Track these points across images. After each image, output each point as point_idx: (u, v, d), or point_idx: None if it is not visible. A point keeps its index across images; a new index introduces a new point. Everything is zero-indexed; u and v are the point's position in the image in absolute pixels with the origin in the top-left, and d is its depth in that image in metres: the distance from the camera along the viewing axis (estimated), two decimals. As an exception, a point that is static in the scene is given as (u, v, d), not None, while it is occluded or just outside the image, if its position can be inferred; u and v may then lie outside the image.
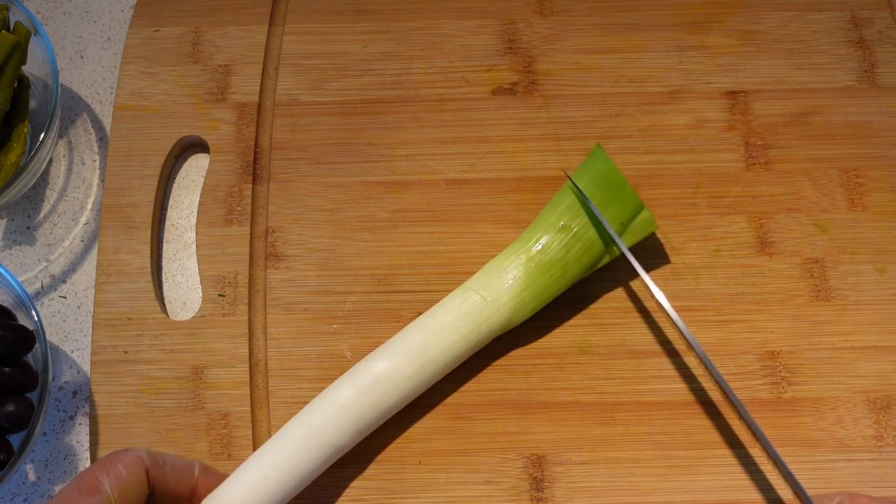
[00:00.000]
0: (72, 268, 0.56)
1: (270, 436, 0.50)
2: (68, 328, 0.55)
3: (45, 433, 0.53)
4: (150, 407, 0.50)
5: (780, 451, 0.48)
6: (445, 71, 0.57)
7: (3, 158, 0.54)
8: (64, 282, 0.56)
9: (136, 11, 0.59)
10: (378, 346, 0.49)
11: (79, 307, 0.55)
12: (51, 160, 0.59)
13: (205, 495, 0.44)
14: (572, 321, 0.51)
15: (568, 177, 0.51)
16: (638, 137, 0.55)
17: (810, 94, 0.56)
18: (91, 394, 0.51)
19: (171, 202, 0.57)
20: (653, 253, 0.53)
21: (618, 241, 0.49)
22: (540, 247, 0.49)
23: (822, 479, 0.48)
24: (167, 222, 0.56)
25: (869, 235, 0.53)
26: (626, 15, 0.58)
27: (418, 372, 0.47)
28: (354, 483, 0.48)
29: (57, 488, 0.51)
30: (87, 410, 0.53)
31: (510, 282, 0.49)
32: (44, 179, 0.58)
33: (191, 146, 0.57)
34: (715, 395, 0.50)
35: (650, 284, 0.48)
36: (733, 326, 0.51)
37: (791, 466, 0.48)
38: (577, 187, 0.49)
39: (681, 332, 0.47)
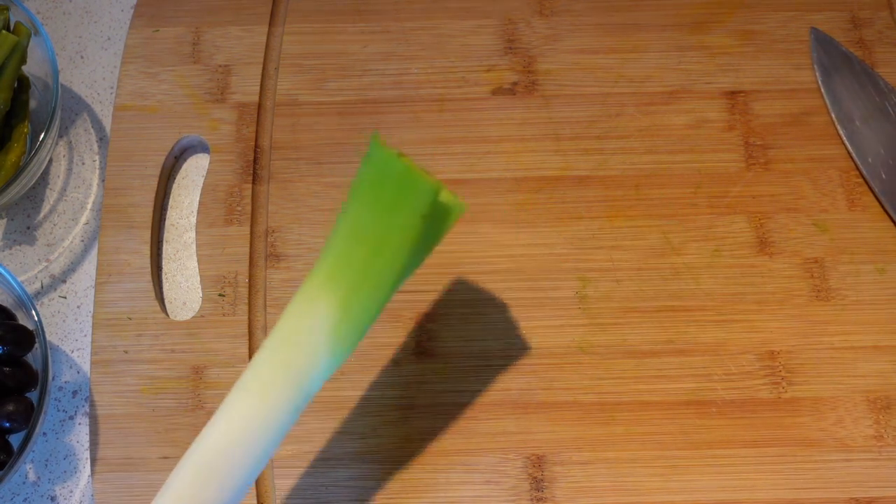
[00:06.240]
0: (72, 268, 0.56)
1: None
2: (68, 328, 0.55)
3: (45, 433, 0.53)
4: (150, 407, 0.50)
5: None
6: (445, 71, 0.57)
7: (3, 158, 0.54)
8: (64, 282, 0.56)
9: (136, 11, 0.59)
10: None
11: (79, 307, 0.55)
12: (51, 160, 0.59)
13: None
14: (572, 321, 0.52)
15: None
16: (638, 137, 0.55)
17: (810, 94, 0.56)
18: (91, 394, 0.51)
19: (171, 202, 0.57)
20: (653, 253, 0.53)
21: None
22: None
23: (821, 479, 0.48)
24: (167, 222, 0.56)
25: (869, 235, 0.53)
26: (626, 15, 0.58)
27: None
28: (354, 483, 0.48)
29: (57, 488, 0.51)
30: (87, 410, 0.53)
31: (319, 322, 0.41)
32: (44, 179, 0.58)
33: (191, 146, 0.57)
34: (715, 395, 0.50)
35: None
36: (733, 326, 0.51)
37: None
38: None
39: None
